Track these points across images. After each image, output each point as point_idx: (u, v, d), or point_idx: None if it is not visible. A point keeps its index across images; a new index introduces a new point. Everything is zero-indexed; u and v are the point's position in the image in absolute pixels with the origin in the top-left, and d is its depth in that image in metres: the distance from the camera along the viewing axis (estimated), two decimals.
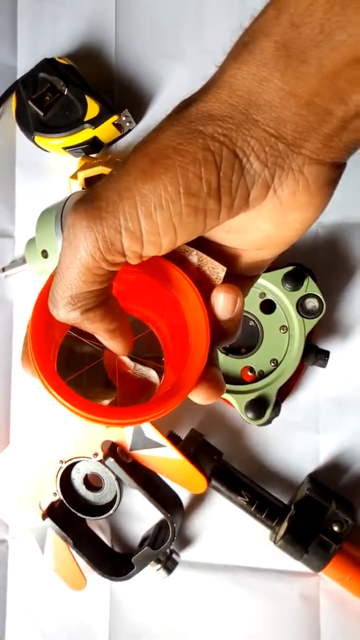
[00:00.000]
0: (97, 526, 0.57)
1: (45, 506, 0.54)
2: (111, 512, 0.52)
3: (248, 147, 0.22)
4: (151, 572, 0.53)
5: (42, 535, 0.54)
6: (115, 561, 0.55)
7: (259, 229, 0.25)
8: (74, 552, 0.53)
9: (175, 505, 0.54)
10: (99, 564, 0.53)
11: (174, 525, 0.51)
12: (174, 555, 0.55)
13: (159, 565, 0.54)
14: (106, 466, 0.51)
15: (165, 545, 0.52)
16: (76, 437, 0.52)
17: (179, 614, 0.57)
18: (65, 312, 0.25)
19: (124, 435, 0.51)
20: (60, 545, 0.54)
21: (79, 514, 0.53)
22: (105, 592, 0.58)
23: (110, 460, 0.50)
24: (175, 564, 0.55)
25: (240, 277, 0.29)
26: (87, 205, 0.22)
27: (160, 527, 0.55)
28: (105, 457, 0.51)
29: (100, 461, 0.51)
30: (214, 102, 0.22)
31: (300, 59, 0.21)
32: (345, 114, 0.22)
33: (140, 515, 0.58)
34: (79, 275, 0.23)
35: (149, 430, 0.51)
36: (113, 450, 0.51)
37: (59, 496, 0.53)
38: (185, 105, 0.23)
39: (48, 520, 0.53)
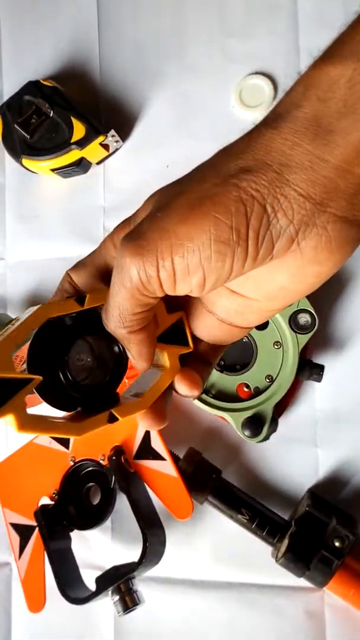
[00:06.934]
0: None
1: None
2: (100, 524, 0.52)
3: (277, 203, 0.23)
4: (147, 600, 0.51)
5: (26, 537, 0.55)
6: (82, 586, 0.53)
7: (275, 280, 0.26)
8: (47, 563, 0.53)
9: (156, 531, 0.51)
10: (64, 584, 0.52)
11: (147, 544, 0.49)
12: (137, 594, 0.51)
13: (117, 597, 0.50)
14: (108, 470, 0.52)
15: (135, 562, 0.49)
16: (90, 438, 0.54)
17: (184, 633, 0.57)
18: (113, 327, 0.28)
19: (132, 441, 0.52)
20: (37, 553, 0.54)
21: (66, 523, 0.54)
22: (109, 617, 0.57)
23: (114, 464, 0.51)
24: (135, 603, 0.50)
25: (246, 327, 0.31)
26: (132, 241, 0.25)
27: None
28: (110, 461, 0.51)
29: (103, 465, 0.52)
30: (251, 160, 0.24)
31: (328, 129, 0.23)
32: None
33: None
34: (126, 298, 0.26)
35: (155, 440, 0.52)
36: (118, 456, 0.52)
37: (57, 497, 0.54)
38: (225, 155, 0.25)
39: (37, 520, 0.53)
